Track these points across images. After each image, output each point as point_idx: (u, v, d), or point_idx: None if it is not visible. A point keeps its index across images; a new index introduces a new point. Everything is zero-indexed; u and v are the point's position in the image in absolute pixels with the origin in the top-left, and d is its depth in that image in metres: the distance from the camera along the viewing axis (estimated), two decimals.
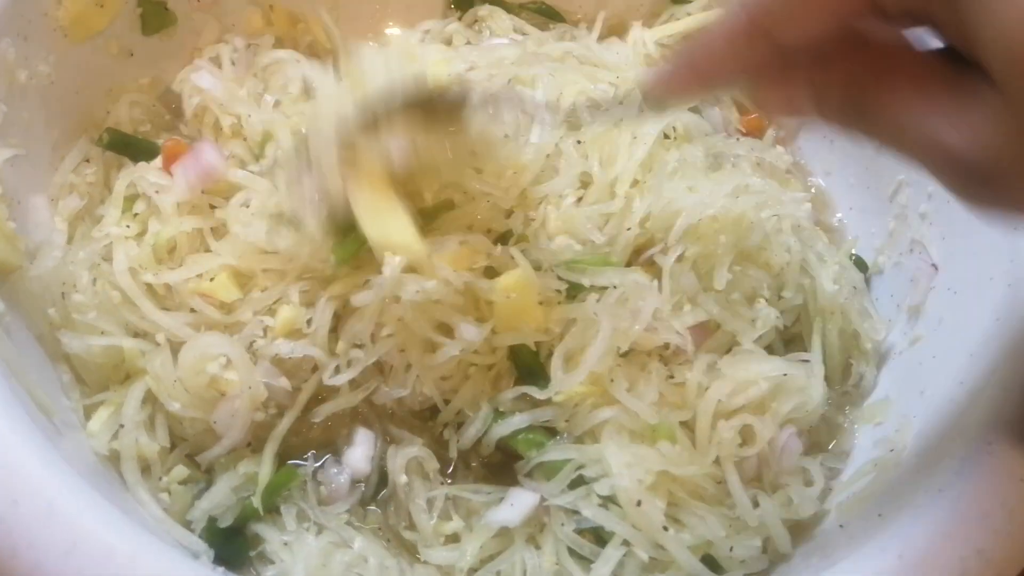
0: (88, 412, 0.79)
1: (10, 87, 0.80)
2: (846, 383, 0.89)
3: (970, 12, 0.45)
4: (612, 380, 0.79)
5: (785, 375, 0.79)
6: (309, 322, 0.79)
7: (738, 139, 0.99)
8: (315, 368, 0.80)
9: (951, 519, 0.65)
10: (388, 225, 0.75)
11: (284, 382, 0.79)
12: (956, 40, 0.50)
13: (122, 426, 0.77)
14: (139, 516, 0.73)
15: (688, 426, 0.78)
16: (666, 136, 0.91)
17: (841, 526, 0.77)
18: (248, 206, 0.83)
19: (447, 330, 0.79)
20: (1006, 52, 0.44)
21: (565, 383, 0.79)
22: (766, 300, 0.85)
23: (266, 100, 0.92)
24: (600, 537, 0.76)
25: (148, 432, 0.78)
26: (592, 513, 0.76)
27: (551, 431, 0.81)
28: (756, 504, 0.77)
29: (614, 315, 0.79)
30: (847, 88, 0.54)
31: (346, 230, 0.77)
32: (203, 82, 0.91)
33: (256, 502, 0.76)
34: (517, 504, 0.78)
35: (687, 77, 0.61)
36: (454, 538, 0.79)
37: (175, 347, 0.78)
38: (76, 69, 0.87)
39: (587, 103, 0.77)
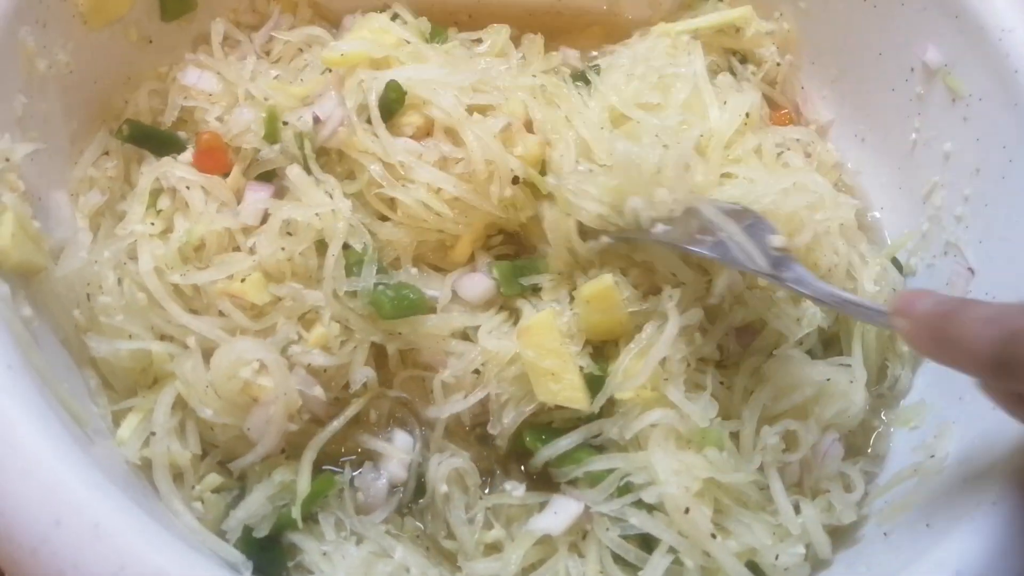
0: (116, 418, 0.76)
1: (29, 77, 0.77)
2: (882, 385, 0.89)
3: None
4: (667, 379, 0.78)
5: (828, 380, 0.79)
6: (342, 344, 0.78)
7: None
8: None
9: (1008, 534, 0.65)
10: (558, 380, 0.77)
11: (319, 391, 0.77)
12: None
13: (153, 433, 0.75)
14: (175, 528, 0.71)
15: (732, 434, 0.77)
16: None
17: (885, 534, 0.77)
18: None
19: None
20: None
21: (626, 385, 0.78)
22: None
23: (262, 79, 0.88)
24: (645, 543, 0.76)
25: (179, 439, 0.76)
26: (639, 520, 0.75)
27: (597, 448, 0.80)
28: (798, 510, 0.76)
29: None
30: None
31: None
32: (188, 79, 0.87)
33: (295, 513, 0.74)
34: (561, 512, 0.77)
35: (926, 335, 0.63)
36: (495, 547, 0.78)
37: (206, 351, 0.76)
38: (95, 57, 0.84)
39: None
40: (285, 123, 0.82)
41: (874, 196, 1.00)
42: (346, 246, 0.79)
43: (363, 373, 0.79)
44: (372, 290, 0.78)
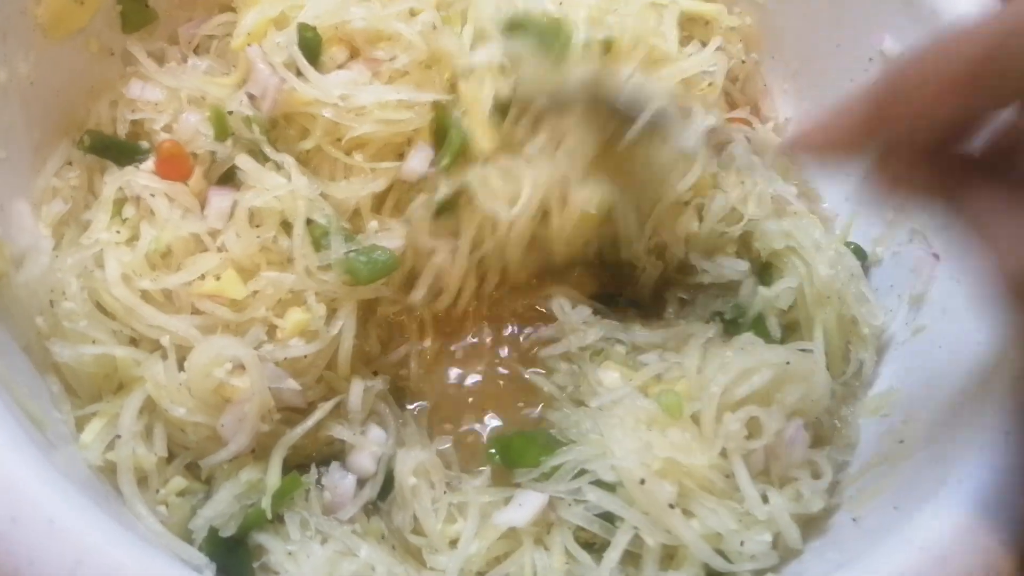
0: (80, 424, 0.76)
1: None
2: (846, 370, 0.88)
3: None
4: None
5: (788, 363, 0.78)
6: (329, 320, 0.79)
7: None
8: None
9: (973, 510, 0.65)
10: None
11: (292, 383, 0.77)
12: None
13: (118, 436, 0.74)
14: (137, 530, 0.70)
15: (694, 418, 0.77)
16: None
17: (854, 519, 0.76)
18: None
19: None
20: None
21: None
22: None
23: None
24: (609, 529, 0.75)
25: (145, 442, 0.75)
26: (596, 496, 0.74)
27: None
28: (765, 499, 0.76)
29: None
30: (946, 175, 0.60)
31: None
32: (133, 91, 0.87)
33: (266, 504, 0.74)
34: (525, 504, 0.77)
35: (819, 138, 0.64)
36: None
37: (178, 353, 0.76)
38: (56, 69, 0.84)
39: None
40: (230, 113, 0.83)
41: (838, 187, 1.00)
42: (309, 221, 0.80)
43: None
44: (344, 259, 0.79)
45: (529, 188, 0.83)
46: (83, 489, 0.64)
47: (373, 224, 0.84)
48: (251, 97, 0.81)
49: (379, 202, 0.86)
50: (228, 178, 0.84)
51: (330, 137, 0.83)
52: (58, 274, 0.77)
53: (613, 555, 0.73)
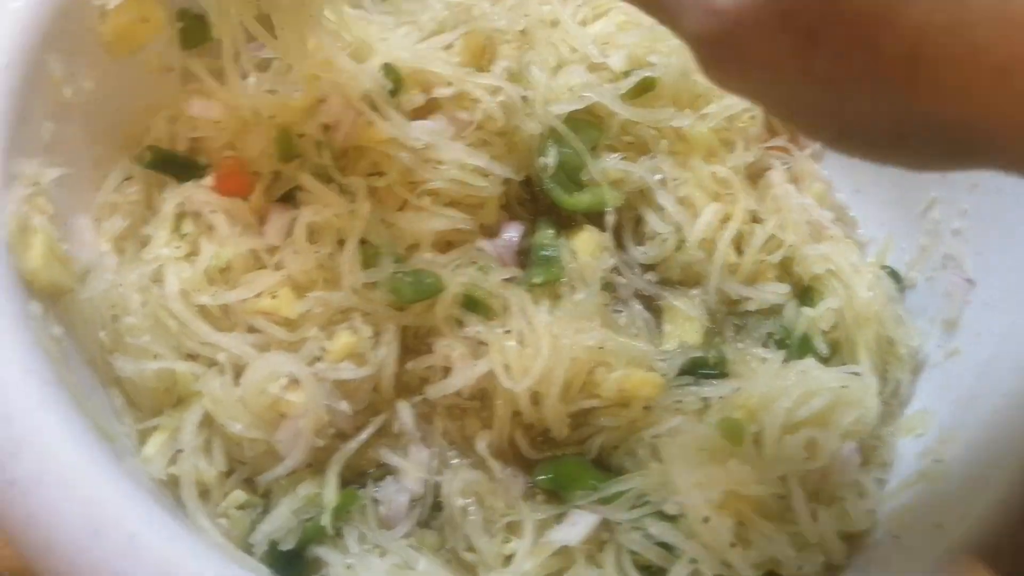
0: (142, 437, 0.77)
1: (56, 104, 0.79)
2: (883, 390, 0.90)
3: None
4: None
5: (844, 387, 0.81)
6: (374, 345, 0.80)
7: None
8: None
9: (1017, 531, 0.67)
10: None
11: (345, 406, 0.78)
12: None
13: (181, 451, 0.76)
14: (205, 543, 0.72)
15: (754, 440, 0.79)
16: None
17: (896, 537, 0.78)
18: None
19: None
20: None
21: None
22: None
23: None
24: (666, 557, 0.77)
25: (206, 456, 0.77)
26: (659, 530, 0.76)
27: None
28: (815, 518, 0.78)
29: None
30: None
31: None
32: (194, 110, 0.88)
33: (326, 520, 0.75)
34: (579, 523, 0.78)
35: None
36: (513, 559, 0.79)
37: (234, 368, 0.77)
38: (117, 85, 0.85)
39: None
40: (301, 136, 0.84)
41: (873, 213, 1.03)
42: (363, 241, 0.82)
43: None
44: (391, 278, 0.81)
45: None
46: (158, 502, 0.65)
47: (427, 256, 0.85)
48: (325, 127, 0.83)
49: (440, 245, 0.87)
50: (288, 198, 0.85)
51: (403, 179, 0.85)
52: (120, 290, 0.78)
53: None
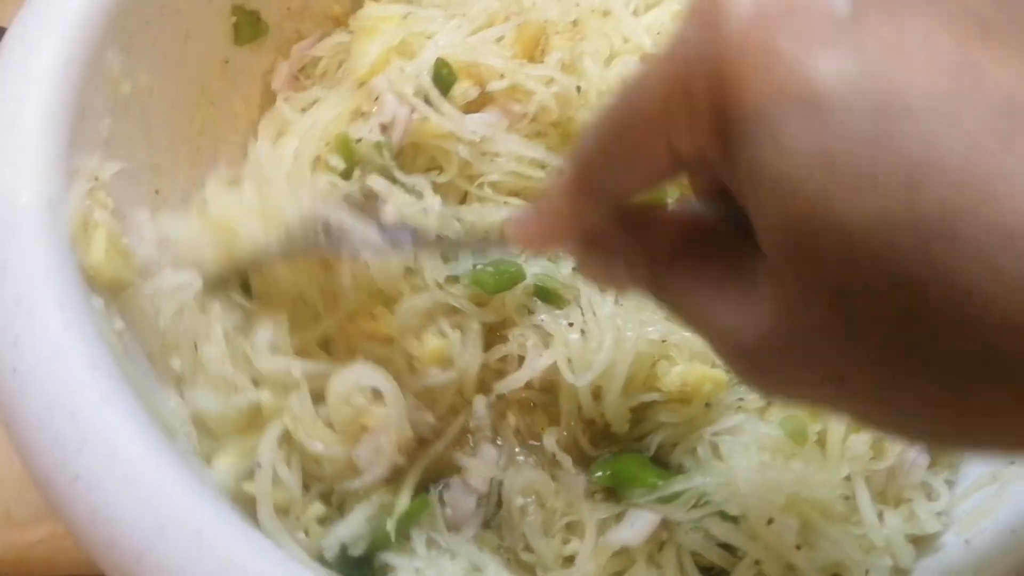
0: (205, 456, 0.74)
1: (115, 99, 0.78)
2: None
3: (744, 185, 0.40)
4: None
5: None
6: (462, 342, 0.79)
7: None
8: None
9: None
10: None
11: (428, 416, 0.77)
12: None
13: (259, 465, 0.72)
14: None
15: (819, 440, 0.77)
16: None
17: (967, 541, 0.76)
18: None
19: None
20: (773, 238, 0.39)
21: None
22: None
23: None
24: (728, 559, 0.76)
25: (286, 472, 0.73)
26: (721, 531, 0.75)
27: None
28: (881, 519, 0.76)
29: None
30: (651, 260, 0.51)
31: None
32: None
33: (391, 526, 0.74)
34: (638, 524, 0.77)
35: (534, 231, 0.56)
36: (572, 560, 0.77)
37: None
38: (172, 79, 0.85)
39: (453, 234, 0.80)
40: (358, 140, 0.84)
41: None
42: (439, 237, 0.80)
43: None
44: (472, 272, 0.80)
45: None
46: (224, 500, 0.65)
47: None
48: (383, 127, 0.83)
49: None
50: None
51: (462, 173, 0.85)
52: (202, 316, 0.76)
53: None
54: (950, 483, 0.82)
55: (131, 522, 0.59)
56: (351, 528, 0.74)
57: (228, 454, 0.74)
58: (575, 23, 0.94)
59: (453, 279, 0.80)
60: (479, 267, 0.80)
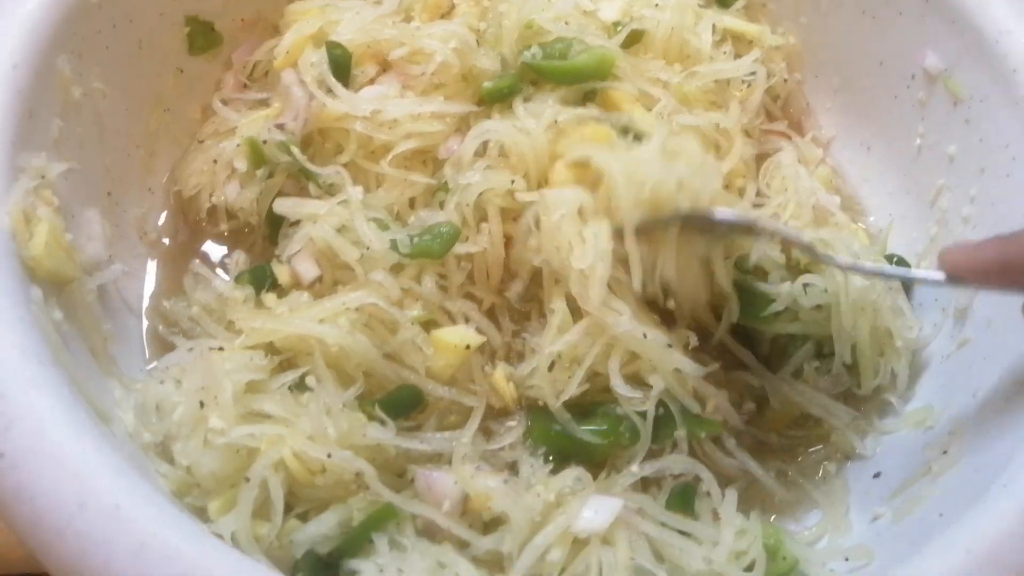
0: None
1: (65, 103, 0.81)
2: (879, 381, 0.88)
3: None
4: None
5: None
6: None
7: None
8: None
9: (1019, 514, 0.65)
10: None
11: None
12: None
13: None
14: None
15: None
16: None
17: (898, 529, 0.77)
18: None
19: None
20: None
21: None
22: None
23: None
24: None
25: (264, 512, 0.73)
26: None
27: None
28: None
29: None
30: None
31: None
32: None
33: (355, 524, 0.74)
34: (600, 510, 0.76)
35: (992, 266, 0.70)
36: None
37: None
38: (125, 84, 0.89)
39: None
40: (264, 142, 0.86)
41: (882, 203, 1.01)
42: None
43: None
44: (415, 245, 0.81)
45: None
46: (143, 476, 0.66)
47: (419, 215, 0.87)
48: (279, 126, 0.85)
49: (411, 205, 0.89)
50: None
51: (364, 151, 0.87)
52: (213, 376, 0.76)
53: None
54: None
55: (53, 498, 0.61)
56: (323, 528, 0.74)
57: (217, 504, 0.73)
58: None
59: (403, 264, 0.82)
60: (416, 239, 0.82)
